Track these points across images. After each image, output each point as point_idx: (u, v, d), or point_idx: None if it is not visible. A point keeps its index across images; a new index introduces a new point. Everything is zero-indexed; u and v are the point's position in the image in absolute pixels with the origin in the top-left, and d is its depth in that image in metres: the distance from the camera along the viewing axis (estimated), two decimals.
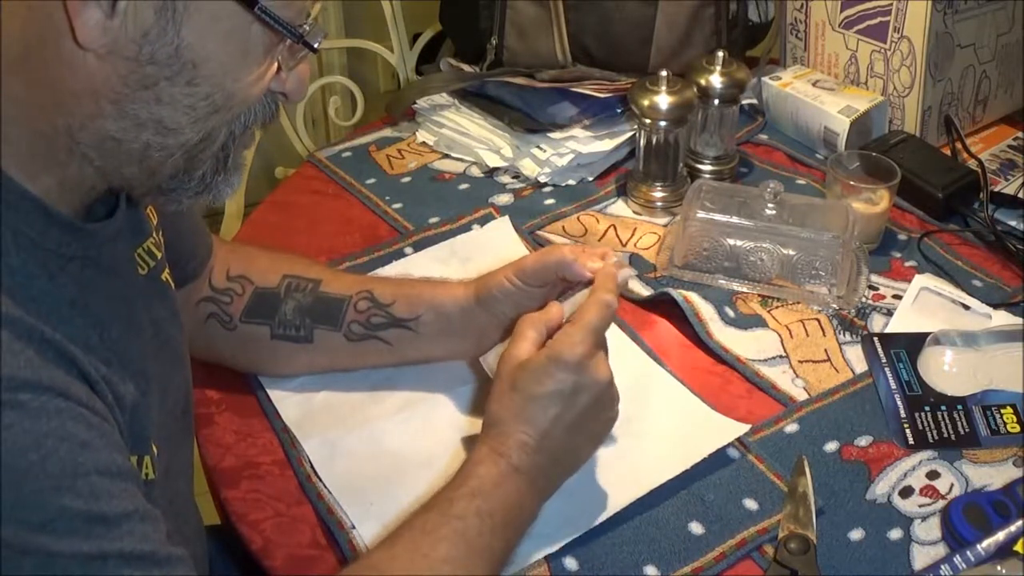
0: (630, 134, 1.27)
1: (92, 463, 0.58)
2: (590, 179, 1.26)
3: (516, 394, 0.77)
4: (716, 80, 1.21)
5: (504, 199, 1.23)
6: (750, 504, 0.85)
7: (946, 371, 0.96)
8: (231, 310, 0.92)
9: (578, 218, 1.19)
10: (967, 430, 0.91)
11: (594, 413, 0.79)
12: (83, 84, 0.60)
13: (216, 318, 0.92)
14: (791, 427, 0.92)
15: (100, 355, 0.63)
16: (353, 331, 0.91)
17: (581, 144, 1.25)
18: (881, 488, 0.86)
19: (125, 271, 0.72)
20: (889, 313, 1.04)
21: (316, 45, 0.65)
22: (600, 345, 0.80)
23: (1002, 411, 0.92)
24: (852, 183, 1.11)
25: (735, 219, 1.07)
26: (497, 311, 0.88)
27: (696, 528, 0.83)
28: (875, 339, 1.00)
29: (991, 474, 0.87)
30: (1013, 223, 1.15)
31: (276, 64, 0.65)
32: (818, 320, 1.03)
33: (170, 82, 0.60)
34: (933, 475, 0.87)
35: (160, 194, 0.67)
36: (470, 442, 0.89)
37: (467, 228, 1.17)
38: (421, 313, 0.90)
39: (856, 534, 0.82)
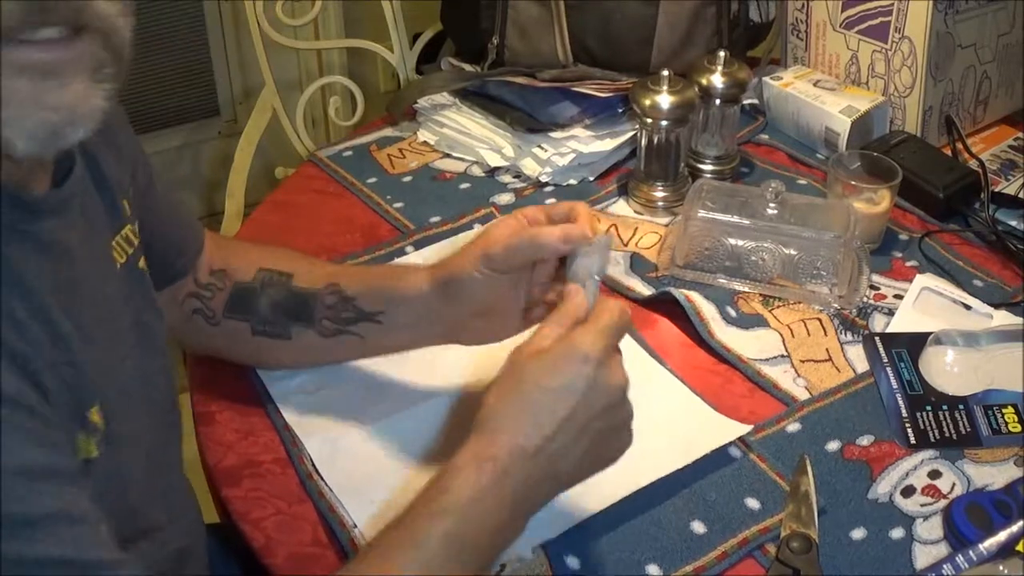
0: (631, 134, 1.27)
1: (8, 463, 0.53)
2: (591, 179, 1.26)
3: (523, 386, 0.70)
4: (717, 80, 1.21)
5: (505, 199, 1.23)
6: (752, 503, 0.85)
7: (947, 371, 0.96)
8: (213, 305, 0.91)
9: None
10: (969, 429, 0.91)
11: (605, 425, 0.72)
12: None
13: (200, 314, 0.91)
14: (793, 426, 0.92)
15: (32, 330, 0.59)
16: (325, 327, 0.90)
17: (582, 144, 1.24)
18: (883, 487, 0.86)
19: (97, 257, 0.70)
20: (890, 313, 1.04)
21: None
22: (618, 349, 0.74)
23: (1003, 411, 0.92)
24: (853, 183, 1.11)
25: (736, 219, 1.07)
26: (467, 300, 0.84)
27: (698, 527, 0.83)
28: (876, 339, 1.00)
29: (993, 473, 0.87)
30: (1014, 223, 1.15)
31: None
32: (819, 320, 1.03)
33: None
34: (935, 474, 0.87)
35: None
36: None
37: (468, 227, 1.17)
38: (385, 307, 0.88)
39: (858, 533, 0.82)
